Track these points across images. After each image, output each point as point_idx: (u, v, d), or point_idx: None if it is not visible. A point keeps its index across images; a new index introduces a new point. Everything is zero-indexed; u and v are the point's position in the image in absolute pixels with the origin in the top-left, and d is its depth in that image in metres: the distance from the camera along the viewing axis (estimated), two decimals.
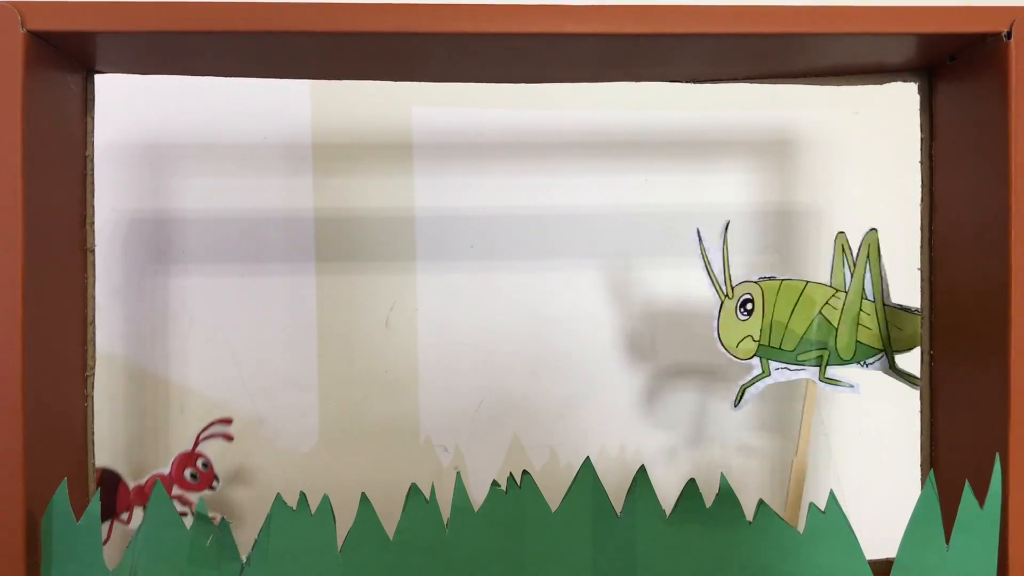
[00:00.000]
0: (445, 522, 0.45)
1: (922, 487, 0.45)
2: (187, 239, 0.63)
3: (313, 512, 0.44)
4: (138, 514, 0.51)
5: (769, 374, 0.48)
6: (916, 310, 0.48)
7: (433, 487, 0.45)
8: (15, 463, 0.42)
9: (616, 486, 0.46)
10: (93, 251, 0.49)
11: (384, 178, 0.64)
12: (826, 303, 0.48)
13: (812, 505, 0.44)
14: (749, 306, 0.48)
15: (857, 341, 0.48)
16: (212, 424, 0.52)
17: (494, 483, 0.45)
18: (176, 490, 0.51)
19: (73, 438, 0.48)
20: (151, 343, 0.63)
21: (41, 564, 0.43)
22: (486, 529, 0.45)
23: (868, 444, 0.67)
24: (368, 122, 0.64)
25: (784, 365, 0.49)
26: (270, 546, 0.44)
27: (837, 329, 0.48)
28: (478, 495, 0.45)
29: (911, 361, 0.53)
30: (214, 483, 0.52)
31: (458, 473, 0.45)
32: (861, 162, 0.66)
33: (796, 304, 0.48)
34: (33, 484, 0.43)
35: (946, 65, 0.50)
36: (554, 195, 0.65)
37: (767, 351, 0.48)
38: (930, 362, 0.52)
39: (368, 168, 0.64)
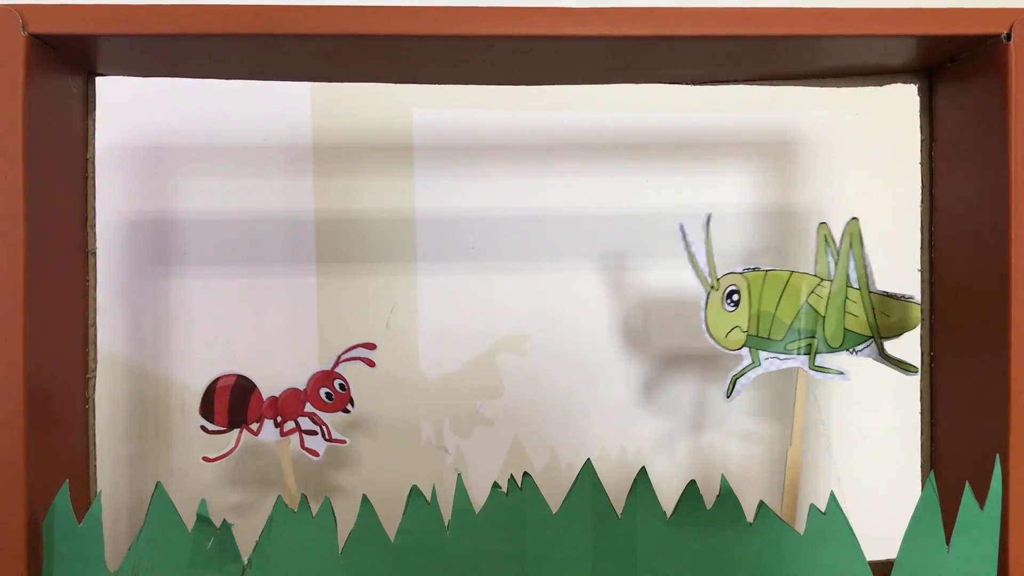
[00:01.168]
0: (446, 524, 0.45)
1: (922, 488, 0.45)
2: (188, 241, 0.63)
3: (314, 514, 0.44)
4: (268, 426, 0.50)
5: (759, 364, 0.49)
6: (903, 296, 0.48)
7: (434, 489, 0.45)
8: (17, 465, 0.42)
9: (617, 487, 0.46)
10: (94, 253, 0.49)
11: (385, 180, 0.64)
12: (812, 292, 0.48)
13: (813, 506, 0.45)
14: (736, 297, 0.48)
15: (845, 329, 0.49)
16: (355, 347, 0.50)
17: (495, 485, 0.45)
18: (309, 407, 0.50)
19: (75, 440, 0.48)
20: (152, 345, 0.63)
21: (43, 566, 0.43)
22: (487, 531, 0.45)
23: (869, 445, 0.67)
24: (369, 124, 0.64)
25: (773, 354, 0.49)
26: (271, 548, 0.44)
27: (824, 317, 0.48)
28: (479, 496, 0.45)
29: (901, 347, 0.52)
30: (349, 406, 0.50)
31: (459, 475, 0.45)
32: (861, 163, 0.66)
33: (782, 294, 0.48)
34: (35, 486, 0.43)
35: (946, 67, 0.50)
36: (554, 197, 0.65)
37: (756, 341, 0.48)
38: (930, 363, 0.52)
39: (369, 170, 0.64)
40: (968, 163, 0.48)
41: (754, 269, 0.48)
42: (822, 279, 0.49)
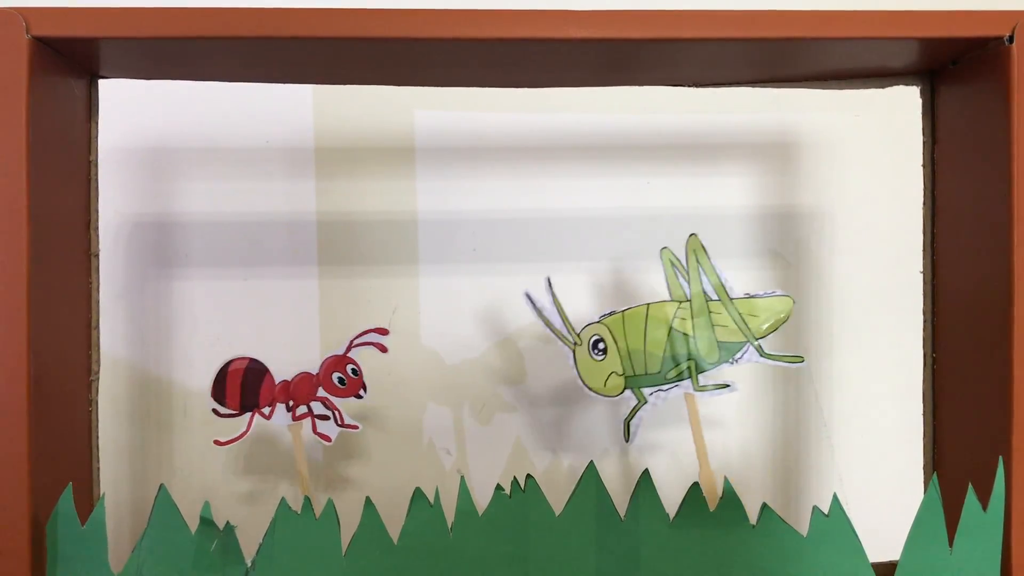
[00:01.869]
0: (449, 526, 0.45)
1: (925, 490, 0.45)
2: (190, 243, 0.63)
3: (317, 516, 0.44)
4: (280, 411, 0.50)
5: (646, 400, 0.49)
6: (765, 293, 0.48)
7: (437, 491, 0.45)
8: (20, 467, 0.42)
9: (620, 489, 0.46)
10: (97, 255, 0.50)
11: (386, 182, 0.65)
12: (675, 316, 0.48)
13: (815, 508, 0.45)
14: (601, 345, 0.48)
15: (718, 342, 0.49)
16: (368, 331, 0.50)
17: (498, 487, 0.45)
18: (321, 392, 0.50)
19: (78, 442, 0.48)
20: (155, 347, 0.63)
21: (47, 568, 0.43)
22: (490, 533, 0.45)
23: (871, 447, 0.67)
24: (370, 126, 0.64)
25: (657, 388, 0.49)
26: (275, 550, 0.44)
27: (694, 337, 0.48)
28: (480, 498, 0.45)
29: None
30: (361, 392, 0.50)
31: (462, 477, 0.45)
32: (863, 165, 0.66)
33: (646, 327, 0.49)
34: (38, 488, 0.43)
35: (948, 69, 0.50)
36: (556, 198, 0.65)
37: (635, 380, 0.49)
38: (932, 364, 0.52)
39: (370, 172, 0.64)
40: (970, 165, 0.48)
41: (609, 314, 0.49)
42: (680, 301, 0.49)
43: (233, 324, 0.63)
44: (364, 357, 0.50)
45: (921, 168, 0.53)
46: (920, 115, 0.53)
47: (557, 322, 0.48)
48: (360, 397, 0.50)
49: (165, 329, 0.63)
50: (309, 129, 0.64)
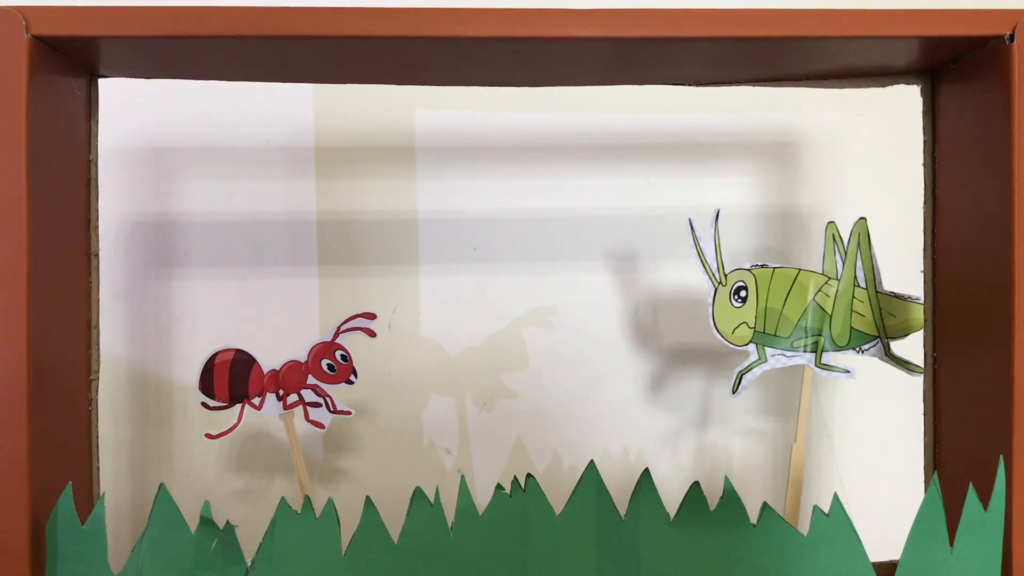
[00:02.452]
0: (449, 525, 0.45)
1: (926, 489, 0.45)
2: (190, 242, 0.63)
3: (317, 515, 0.44)
4: (270, 400, 0.49)
5: (765, 360, 0.49)
6: (909, 297, 0.49)
7: (437, 490, 0.45)
8: (20, 466, 0.42)
9: (620, 489, 0.46)
10: (97, 255, 0.49)
11: (387, 181, 0.65)
12: (819, 291, 0.49)
13: (816, 507, 0.45)
14: (743, 293, 0.48)
15: (851, 328, 0.49)
16: (355, 317, 0.49)
17: (498, 486, 0.45)
18: (311, 379, 0.49)
19: (78, 442, 0.48)
20: (155, 346, 0.63)
21: (46, 567, 0.43)
22: (490, 532, 0.45)
23: (872, 447, 0.67)
24: (370, 125, 0.64)
25: (780, 351, 0.49)
26: (275, 550, 0.44)
27: (831, 316, 0.48)
28: (481, 498, 0.45)
29: (907, 348, 0.52)
30: (351, 377, 0.49)
31: (462, 476, 0.45)
32: (864, 164, 0.66)
33: (789, 291, 0.49)
34: (38, 487, 0.43)
35: (949, 68, 0.50)
36: (556, 197, 0.65)
37: (763, 337, 0.49)
38: (933, 364, 0.52)
39: (371, 171, 0.64)
40: (971, 164, 0.48)
41: (762, 266, 0.49)
42: (829, 278, 0.49)
43: (233, 324, 0.63)
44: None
45: (922, 167, 0.53)
46: (921, 114, 0.53)
47: (711, 255, 0.48)
48: (351, 383, 0.49)
49: (165, 329, 0.63)
50: (309, 128, 0.64)
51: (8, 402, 0.42)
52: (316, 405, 0.50)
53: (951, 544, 0.44)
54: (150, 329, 0.63)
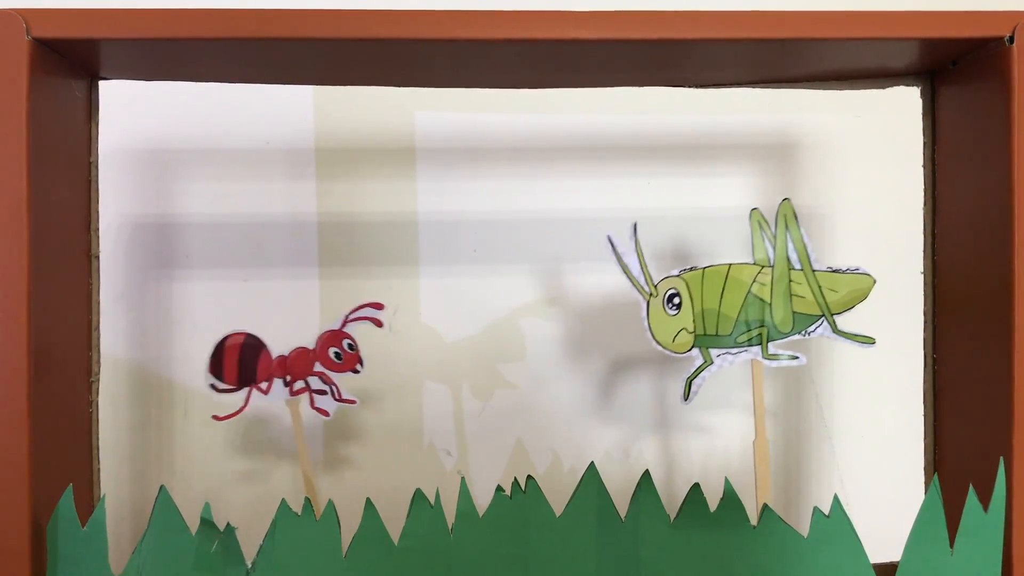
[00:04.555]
0: (450, 527, 0.45)
1: (926, 491, 0.45)
2: (191, 244, 0.63)
3: (318, 517, 0.44)
4: (277, 385, 0.50)
5: (712, 362, 0.48)
6: (848, 269, 0.48)
7: (437, 492, 0.45)
8: (21, 468, 0.42)
9: (620, 490, 0.46)
10: (97, 256, 0.50)
11: (387, 183, 0.65)
12: (754, 281, 0.48)
13: (816, 508, 0.45)
14: (676, 300, 0.47)
15: (793, 312, 0.48)
16: (363, 306, 0.49)
17: (499, 488, 0.45)
18: (318, 367, 0.49)
19: (78, 443, 0.48)
20: (155, 348, 0.63)
21: (47, 569, 0.43)
22: (491, 534, 0.45)
23: (872, 448, 0.67)
24: (371, 127, 0.64)
25: (725, 350, 0.48)
26: (275, 552, 0.44)
27: (771, 304, 0.48)
28: (481, 499, 0.45)
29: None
30: (358, 366, 0.49)
31: (463, 478, 0.45)
32: (863, 166, 0.66)
33: (724, 288, 0.48)
34: (39, 489, 0.43)
35: (948, 69, 0.50)
36: (557, 199, 0.65)
37: (704, 340, 0.48)
38: (933, 365, 0.52)
39: (371, 173, 0.64)
40: (970, 166, 0.48)
41: (691, 269, 0.48)
42: (763, 266, 0.48)
43: (234, 325, 0.63)
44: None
45: (921, 169, 0.53)
46: (920, 116, 0.53)
47: (636, 269, 0.47)
48: (357, 372, 0.49)
49: (166, 330, 0.63)
50: (310, 130, 0.64)
51: (8, 403, 0.42)
52: (322, 393, 0.50)
53: (951, 545, 0.45)
54: (151, 331, 0.63)
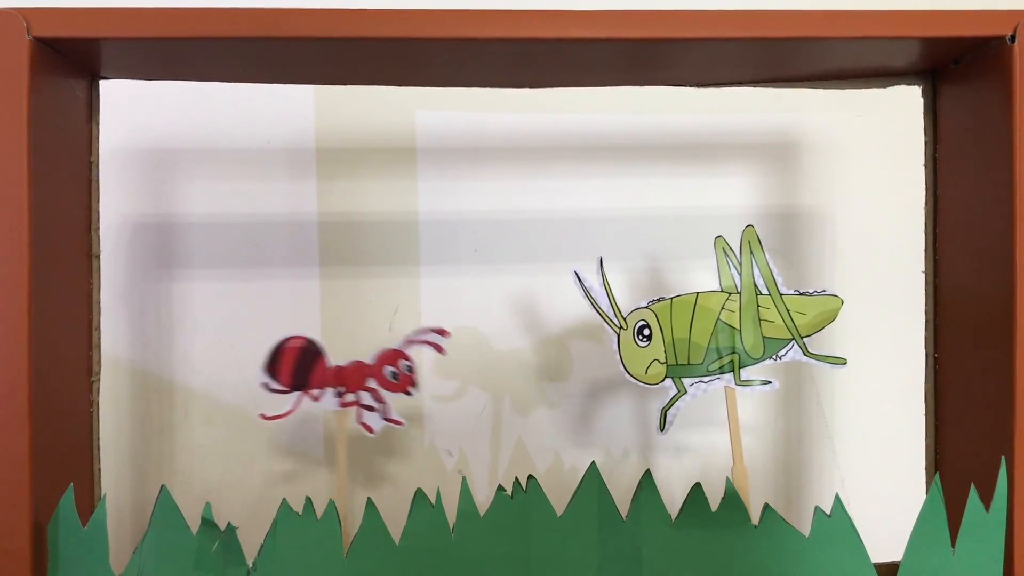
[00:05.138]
0: (451, 527, 0.45)
1: (927, 490, 0.45)
2: (191, 244, 0.63)
3: (319, 517, 0.44)
4: (328, 395, 0.49)
5: (685, 391, 0.48)
6: (814, 292, 0.48)
7: (439, 492, 0.45)
8: (21, 468, 0.42)
9: (621, 490, 0.46)
10: (98, 256, 0.49)
11: (388, 182, 0.65)
12: (723, 308, 0.48)
13: (818, 508, 0.45)
14: (647, 331, 0.48)
15: (763, 337, 0.48)
16: (427, 331, 0.49)
17: (500, 488, 0.45)
18: (372, 383, 0.49)
19: (79, 443, 0.48)
20: (156, 348, 0.63)
21: (48, 569, 0.43)
22: (492, 533, 0.45)
23: (873, 447, 0.67)
24: (372, 126, 0.64)
25: (698, 379, 0.48)
26: (276, 551, 0.44)
27: (740, 331, 0.48)
28: (481, 499, 0.45)
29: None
30: (410, 388, 0.49)
31: (464, 478, 0.45)
32: (865, 165, 0.66)
33: (693, 317, 0.48)
34: (39, 489, 0.43)
35: (950, 68, 0.50)
36: (557, 199, 0.65)
37: (677, 369, 0.48)
38: (935, 365, 0.52)
39: (372, 172, 0.64)
40: (972, 165, 0.48)
41: (658, 300, 0.48)
42: (730, 293, 0.48)
43: (234, 325, 0.63)
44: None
45: (923, 168, 0.53)
46: (922, 115, 0.53)
47: (604, 304, 0.47)
48: (410, 394, 0.49)
49: (166, 330, 0.63)
50: (310, 130, 0.64)
51: (9, 404, 0.42)
52: (370, 409, 0.50)
53: (953, 545, 0.44)
54: (151, 331, 0.63)
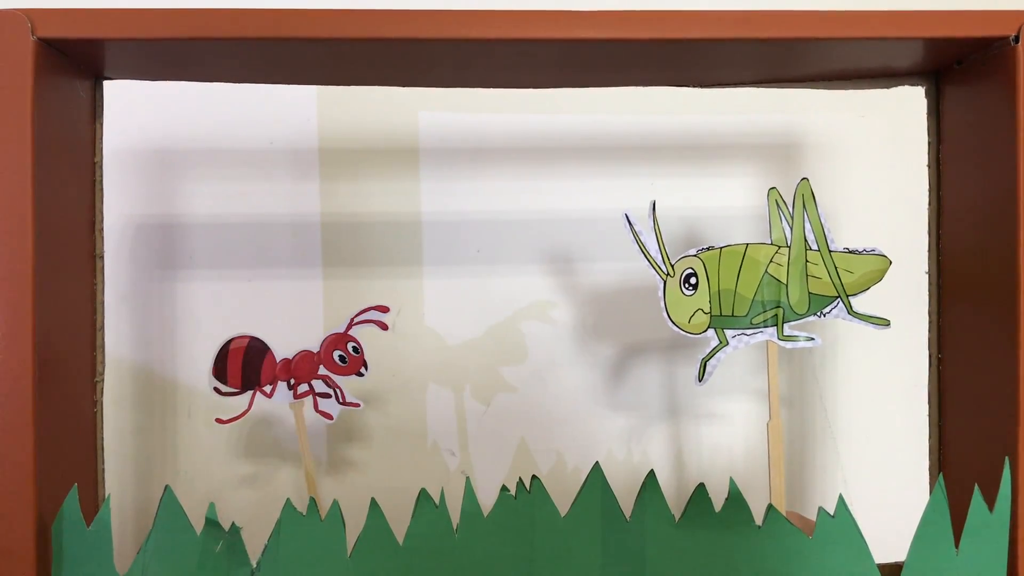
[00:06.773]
0: (454, 527, 0.45)
1: (931, 491, 0.45)
2: (195, 244, 0.63)
3: (323, 517, 0.44)
4: (281, 388, 0.50)
5: (727, 343, 0.48)
6: (864, 250, 0.47)
7: (442, 492, 0.45)
8: (26, 468, 0.42)
9: (625, 490, 0.46)
10: (102, 257, 0.50)
11: (390, 183, 0.65)
12: (771, 261, 0.47)
13: (821, 509, 0.44)
14: (693, 280, 0.47)
15: (809, 292, 0.47)
16: (368, 309, 0.49)
17: (503, 488, 0.45)
18: (322, 370, 0.50)
19: (83, 444, 0.48)
20: (159, 348, 0.63)
21: (52, 569, 0.43)
22: (495, 534, 0.45)
23: (876, 448, 0.67)
24: (374, 127, 0.64)
25: (740, 331, 0.48)
26: (280, 552, 0.44)
27: (787, 285, 0.47)
28: (484, 499, 0.45)
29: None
30: (362, 369, 0.50)
31: (467, 478, 0.45)
32: (868, 166, 0.66)
33: (740, 268, 0.47)
34: (44, 489, 0.43)
35: (953, 69, 0.50)
36: (560, 199, 0.65)
37: (720, 320, 0.47)
38: (939, 364, 0.52)
39: (374, 173, 0.64)
40: (975, 165, 0.48)
41: (708, 248, 0.47)
42: (779, 246, 0.47)
43: (237, 326, 0.63)
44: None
45: (926, 168, 0.52)
46: (925, 115, 0.53)
47: (653, 248, 0.47)
48: (361, 375, 0.50)
49: (169, 331, 0.63)
50: (313, 130, 0.64)
51: (13, 404, 0.42)
52: (326, 396, 0.50)
53: (956, 546, 0.44)
54: (155, 331, 0.63)
